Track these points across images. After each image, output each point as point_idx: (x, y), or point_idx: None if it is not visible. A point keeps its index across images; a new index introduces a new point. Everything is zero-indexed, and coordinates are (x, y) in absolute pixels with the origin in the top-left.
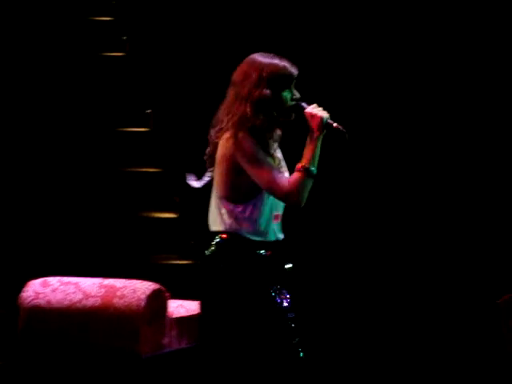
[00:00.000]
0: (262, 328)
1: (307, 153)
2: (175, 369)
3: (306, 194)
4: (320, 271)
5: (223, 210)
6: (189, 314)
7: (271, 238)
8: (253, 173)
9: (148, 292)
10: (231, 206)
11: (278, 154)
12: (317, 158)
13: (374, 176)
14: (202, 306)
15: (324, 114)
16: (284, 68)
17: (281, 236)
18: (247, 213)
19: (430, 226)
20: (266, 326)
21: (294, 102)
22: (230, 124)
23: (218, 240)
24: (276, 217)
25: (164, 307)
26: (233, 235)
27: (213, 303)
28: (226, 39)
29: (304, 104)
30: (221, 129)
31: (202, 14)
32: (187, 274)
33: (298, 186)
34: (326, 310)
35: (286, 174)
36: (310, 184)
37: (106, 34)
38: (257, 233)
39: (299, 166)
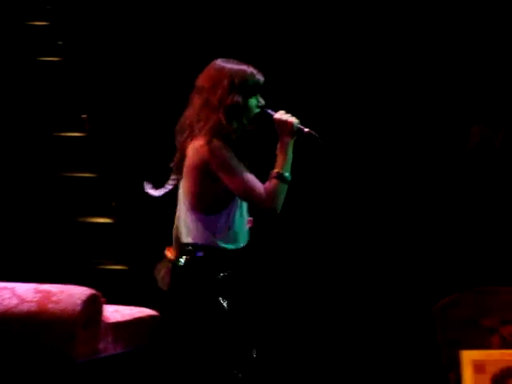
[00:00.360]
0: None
1: (280, 159)
2: (110, 374)
3: (281, 201)
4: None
5: (195, 221)
6: (124, 319)
7: (243, 243)
8: (229, 181)
9: (84, 297)
10: (203, 217)
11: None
12: (290, 164)
13: (352, 179)
14: (169, 313)
15: (294, 120)
16: (252, 75)
17: (248, 238)
18: (221, 223)
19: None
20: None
21: (258, 110)
22: (203, 132)
23: (190, 252)
24: (249, 221)
25: (99, 312)
26: (206, 248)
27: (180, 313)
28: (161, 43)
29: (271, 111)
30: (191, 136)
31: (138, 18)
32: (123, 279)
33: (275, 193)
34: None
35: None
36: (285, 190)
37: (41, 38)
38: (231, 241)
39: (274, 172)
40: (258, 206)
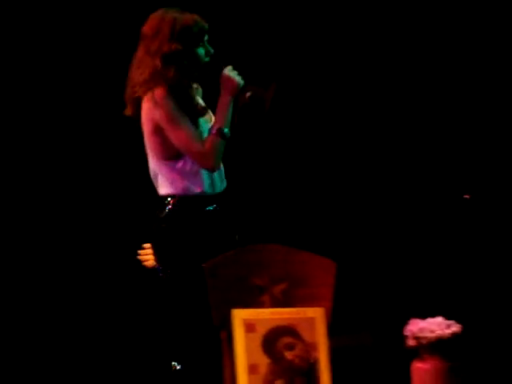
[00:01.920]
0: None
1: (220, 116)
2: None
3: (220, 157)
4: None
5: (164, 172)
6: None
7: (218, 188)
8: (169, 133)
9: None
10: (171, 165)
11: (202, 103)
12: (229, 121)
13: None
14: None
15: (240, 80)
16: (195, 22)
17: (224, 184)
18: (188, 166)
19: None
20: None
21: (208, 59)
22: (141, 79)
23: (168, 203)
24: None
25: None
26: (182, 197)
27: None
28: None
29: (223, 65)
30: (134, 85)
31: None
32: None
33: (214, 149)
34: None
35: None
36: (223, 146)
37: None
38: (204, 185)
39: (214, 128)
40: (197, 161)
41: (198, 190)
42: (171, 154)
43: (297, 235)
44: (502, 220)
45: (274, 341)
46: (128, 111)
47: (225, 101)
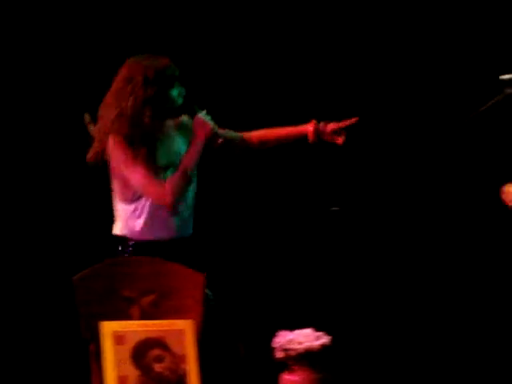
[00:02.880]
0: None
1: (189, 157)
2: None
3: (179, 197)
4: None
5: (117, 211)
6: None
7: (175, 234)
8: (128, 176)
9: None
10: (122, 206)
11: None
12: (195, 163)
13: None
14: None
15: (212, 125)
16: (167, 66)
17: (188, 232)
18: (138, 211)
19: None
20: None
21: (181, 100)
22: (109, 122)
23: (116, 245)
24: (174, 211)
25: None
26: (126, 240)
27: None
28: None
29: (198, 109)
30: (101, 126)
31: None
32: None
33: (174, 187)
34: None
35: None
36: (186, 188)
37: None
38: (149, 231)
39: (180, 169)
40: (157, 201)
41: (147, 236)
42: (125, 195)
43: None
44: (369, 232)
45: (143, 353)
46: (95, 149)
47: (196, 143)
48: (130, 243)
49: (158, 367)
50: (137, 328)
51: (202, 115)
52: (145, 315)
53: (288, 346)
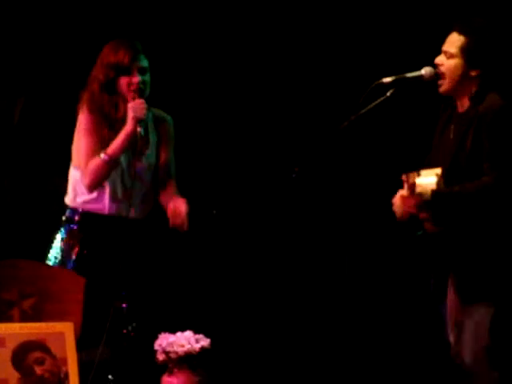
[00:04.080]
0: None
1: (117, 143)
2: None
3: (100, 181)
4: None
5: (70, 178)
6: None
7: (124, 212)
8: (75, 143)
9: None
10: (74, 172)
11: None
12: (122, 151)
13: None
14: None
15: (142, 115)
16: (118, 57)
17: (135, 215)
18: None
19: None
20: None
21: (144, 87)
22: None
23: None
24: (125, 194)
25: None
26: (73, 210)
27: None
28: None
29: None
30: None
31: None
32: None
33: (94, 170)
34: None
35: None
36: (107, 172)
37: None
38: (95, 202)
39: (106, 154)
40: (81, 178)
41: (86, 207)
42: (75, 162)
43: None
44: (250, 234)
45: (23, 355)
46: None
47: (126, 130)
48: (77, 215)
49: (38, 370)
50: (17, 331)
51: (135, 103)
52: (25, 317)
53: (169, 349)
